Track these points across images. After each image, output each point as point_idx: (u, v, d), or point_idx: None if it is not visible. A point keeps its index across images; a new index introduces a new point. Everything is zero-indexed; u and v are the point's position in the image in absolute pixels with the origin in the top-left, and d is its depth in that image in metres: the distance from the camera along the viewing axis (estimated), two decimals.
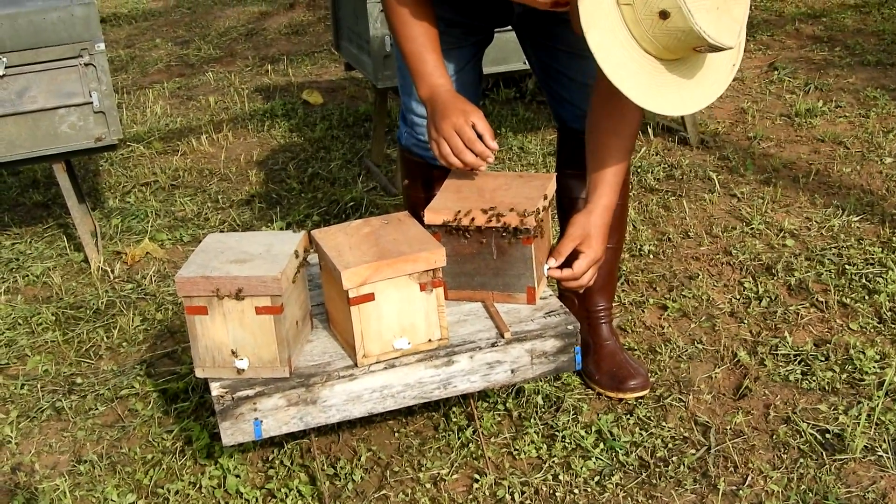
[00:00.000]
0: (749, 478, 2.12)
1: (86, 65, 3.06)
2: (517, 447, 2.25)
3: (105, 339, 2.83)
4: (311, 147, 4.20)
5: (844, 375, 2.42)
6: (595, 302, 2.45)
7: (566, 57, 2.32)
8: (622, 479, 2.14)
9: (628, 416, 2.34)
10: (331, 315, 2.08)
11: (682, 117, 3.88)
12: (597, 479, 2.14)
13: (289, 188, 3.78)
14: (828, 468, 2.12)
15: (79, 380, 2.65)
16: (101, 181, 4.00)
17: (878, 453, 2.15)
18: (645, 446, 2.23)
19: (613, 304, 2.55)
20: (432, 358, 1.97)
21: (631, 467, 2.17)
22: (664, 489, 2.11)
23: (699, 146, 3.88)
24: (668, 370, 2.51)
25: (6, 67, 2.99)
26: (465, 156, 2.01)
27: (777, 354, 2.53)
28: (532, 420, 2.33)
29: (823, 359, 2.50)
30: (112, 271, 3.22)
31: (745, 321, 2.69)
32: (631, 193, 3.32)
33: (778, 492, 2.07)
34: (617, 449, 2.22)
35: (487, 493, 2.12)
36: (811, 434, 2.23)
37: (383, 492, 2.15)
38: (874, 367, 2.43)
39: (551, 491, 2.12)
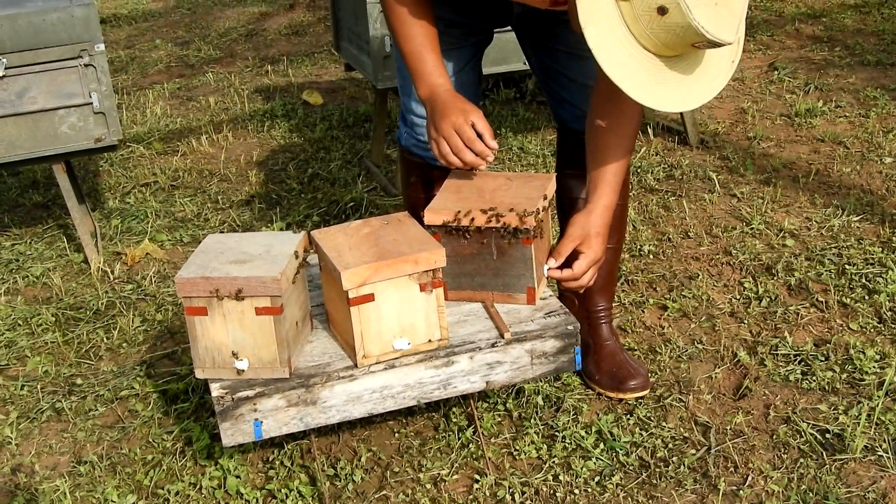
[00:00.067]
0: (749, 478, 2.12)
1: (86, 65, 3.06)
2: (517, 447, 2.25)
3: (105, 339, 2.83)
4: (311, 147, 4.20)
5: (844, 375, 2.42)
6: (595, 302, 2.45)
7: (566, 57, 2.32)
8: (622, 479, 2.14)
9: (628, 416, 2.34)
10: (331, 316, 2.08)
11: (682, 117, 3.88)
12: (597, 479, 2.14)
13: (289, 189, 3.78)
14: (828, 468, 2.12)
15: (79, 381, 2.65)
16: (100, 182, 4.00)
17: (879, 453, 2.15)
18: (645, 446, 2.23)
19: (613, 305, 2.54)
20: (432, 358, 1.97)
21: (631, 467, 2.17)
22: (664, 489, 2.11)
23: (699, 146, 3.88)
24: (668, 370, 2.51)
25: (6, 68, 2.99)
26: (464, 155, 2.01)
27: (777, 354, 2.53)
28: (532, 420, 2.33)
29: (823, 359, 2.50)
30: (112, 272, 3.22)
31: (745, 321, 2.69)
32: (631, 193, 3.32)
33: (778, 492, 2.07)
34: (617, 449, 2.22)
35: (488, 494, 2.12)
36: (811, 434, 2.23)
37: (383, 492, 2.15)
38: (874, 367, 2.43)
39: (551, 491, 2.12)
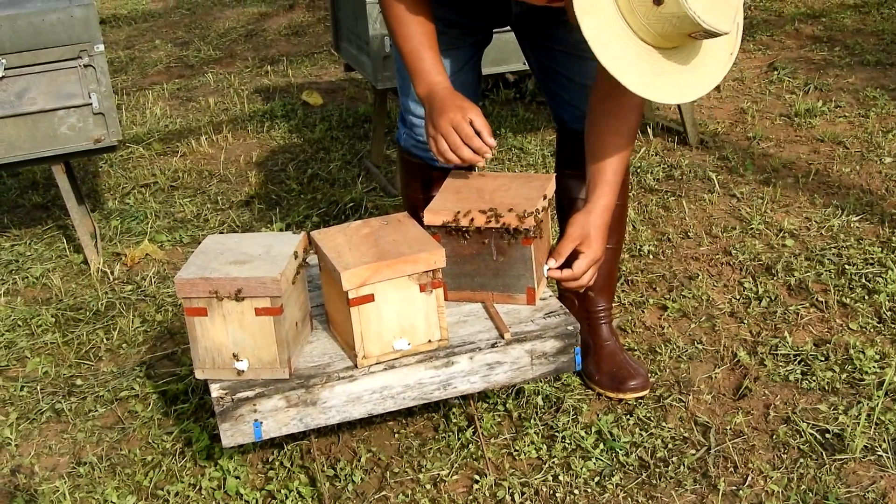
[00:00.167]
0: (749, 478, 2.12)
1: (85, 66, 3.06)
2: (517, 448, 2.25)
3: (105, 340, 2.83)
4: (311, 148, 4.20)
5: (844, 375, 2.42)
6: (595, 302, 2.45)
7: (565, 58, 2.31)
8: (622, 479, 2.14)
9: (628, 416, 2.34)
10: (330, 316, 2.08)
11: (682, 117, 3.88)
12: (597, 479, 2.14)
13: (288, 189, 3.78)
14: (828, 468, 2.12)
15: (78, 381, 2.65)
16: (100, 182, 4.00)
17: (878, 453, 2.15)
18: (645, 447, 2.23)
19: (613, 305, 2.54)
20: (432, 359, 1.97)
21: (631, 468, 2.17)
22: (664, 489, 2.11)
23: (699, 146, 3.88)
24: (667, 370, 2.51)
25: (5, 69, 2.99)
26: (462, 152, 2.00)
27: (777, 354, 2.53)
28: (532, 421, 2.33)
29: (823, 359, 2.49)
30: (112, 273, 3.22)
31: (745, 321, 2.69)
32: (630, 194, 3.32)
33: (778, 492, 2.07)
34: (617, 449, 2.22)
35: (487, 494, 2.12)
36: (811, 434, 2.23)
37: (383, 493, 2.15)
38: (874, 367, 2.43)
39: (551, 491, 2.12)
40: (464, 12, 2.26)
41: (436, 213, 2.06)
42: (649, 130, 4.01)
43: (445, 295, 2.03)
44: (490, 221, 2.02)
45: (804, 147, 3.81)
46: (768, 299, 2.77)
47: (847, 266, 2.89)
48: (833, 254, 2.97)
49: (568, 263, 2.06)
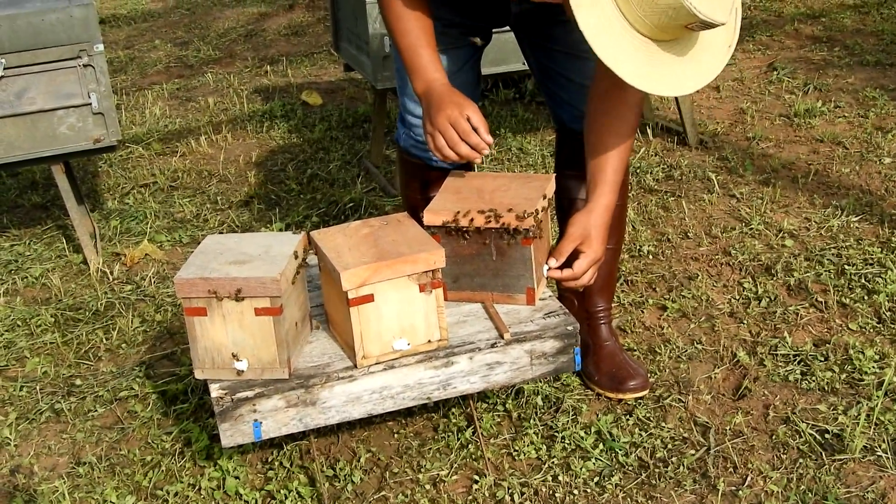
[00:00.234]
0: (748, 478, 2.12)
1: (84, 66, 3.06)
2: (517, 448, 2.25)
3: (104, 340, 2.83)
4: (311, 148, 4.20)
5: (844, 375, 2.42)
6: (594, 303, 2.45)
7: (564, 58, 2.31)
8: (622, 479, 2.14)
9: (628, 416, 2.33)
10: (330, 316, 2.08)
11: (681, 117, 3.88)
12: (596, 479, 2.14)
13: (288, 189, 3.78)
14: (827, 468, 2.12)
15: (78, 381, 2.65)
16: (99, 182, 4.00)
17: (878, 453, 2.15)
18: (644, 447, 2.23)
19: (613, 305, 2.54)
20: (432, 359, 1.97)
21: (630, 468, 2.17)
22: (664, 490, 2.11)
23: (698, 147, 3.88)
24: (667, 371, 2.51)
25: (5, 69, 2.99)
26: (459, 148, 1.99)
27: (776, 355, 2.53)
28: (531, 421, 2.33)
29: (823, 359, 2.50)
30: (111, 273, 3.22)
31: (745, 321, 2.69)
32: (630, 194, 3.32)
33: (777, 492, 2.07)
34: (616, 449, 2.22)
35: (487, 494, 2.12)
36: (810, 434, 2.23)
37: (383, 493, 2.15)
38: (873, 368, 2.43)
39: (551, 492, 2.12)
40: (463, 12, 2.26)
41: (435, 214, 2.05)
42: (649, 131, 4.01)
43: (445, 295, 2.03)
44: (490, 221, 2.02)
45: (804, 147, 3.81)
46: (768, 299, 2.77)
47: (847, 266, 2.89)
48: (833, 254, 2.98)
49: (568, 263, 2.06)
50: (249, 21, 6.82)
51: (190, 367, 2.27)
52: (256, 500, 2.15)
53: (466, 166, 2.42)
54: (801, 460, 2.16)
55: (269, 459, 2.27)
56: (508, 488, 2.13)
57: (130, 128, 4.67)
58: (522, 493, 2.11)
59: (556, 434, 2.29)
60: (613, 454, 2.21)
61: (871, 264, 2.90)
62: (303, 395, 1.92)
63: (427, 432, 2.34)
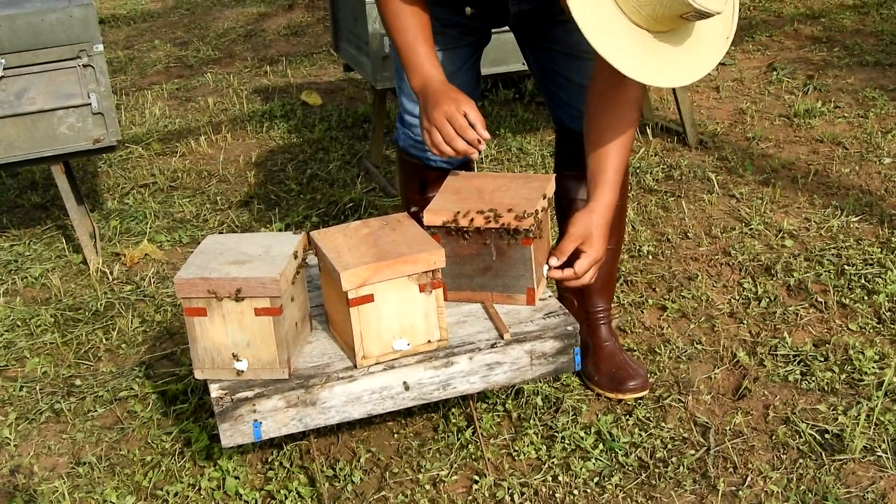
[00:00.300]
0: (748, 478, 2.12)
1: (84, 66, 3.06)
2: (516, 448, 2.25)
3: (104, 340, 2.83)
4: (310, 148, 4.20)
5: (844, 376, 2.42)
6: (594, 303, 2.45)
7: (563, 58, 2.31)
8: (622, 479, 2.14)
9: (628, 416, 2.33)
10: (330, 316, 2.08)
11: (681, 117, 3.88)
12: (596, 479, 2.14)
13: (287, 189, 3.78)
14: (827, 468, 2.12)
15: (78, 381, 2.65)
16: (99, 183, 4.00)
17: (878, 453, 2.15)
18: (644, 447, 2.23)
19: (613, 305, 2.54)
20: (432, 359, 1.97)
21: (630, 468, 2.17)
22: (664, 490, 2.11)
23: (698, 147, 3.88)
24: (667, 371, 2.50)
25: (5, 69, 2.99)
26: (456, 143, 1.97)
27: (776, 355, 2.53)
28: (531, 421, 2.33)
29: (823, 359, 2.50)
30: (111, 273, 3.22)
31: (745, 322, 2.69)
32: (630, 194, 3.32)
33: (777, 492, 2.07)
34: (616, 450, 2.22)
35: (487, 495, 2.12)
36: (810, 434, 2.23)
37: (382, 493, 2.15)
38: (873, 368, 2.43)
39: (551, 492, 2.12)
40: (461, 12, 2.26)
41: (435, 214, 2.05)
42: (648, 131, 4.01)
43: (445, 295, 2.03)
44: (490, 222, 2.02)
45: (803, 147, 3.82)
46: (768, 300, 2.77)
47: (846, 266, 2.89)
48: (832, 254, 2.98)
49: (569, 263, 2.05)
50: (249, 21, 6.82)
51: (190, 367, 2.27)
52: (256, 500, 2.15)
53: (465, 166, 2.42)
54: (801, 460, 2.16)
55: (269, 459, 2.27)
56: (508, 488, 2.13)
57: (130, 128, 4.67)
58: (522, 494, 2.11)
59: (555, 434, 2.29)
60: (613, 454, 2.21)
61: (870, 264, 2.90)
62: (303, 396, 1.92)
63: (427, 432, 2.34)
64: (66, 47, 3.02)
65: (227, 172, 4.01)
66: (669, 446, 2.23)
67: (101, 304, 3.02)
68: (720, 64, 4.73)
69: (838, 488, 2.06)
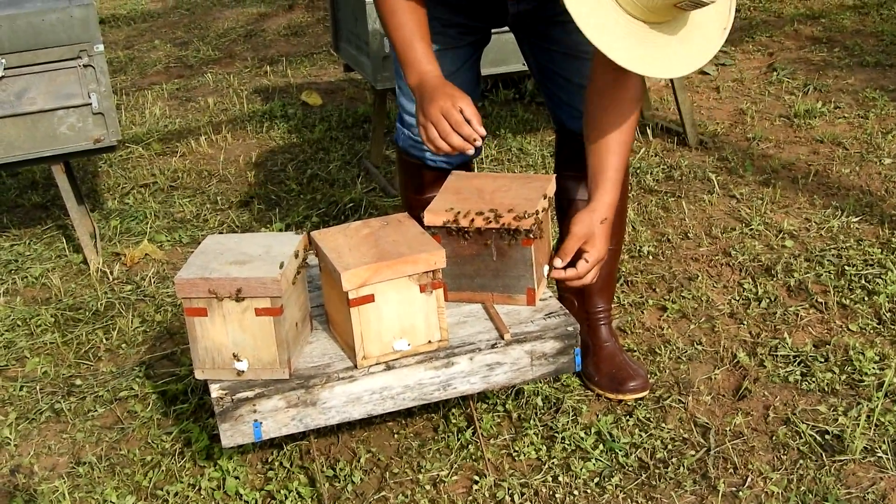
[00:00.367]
0: (749, 479, 2.12)
1: (84, 66, 3.06)
2: (517, 448, 2.25)
3: (104, 340, 2.83)
4: (310, 148, 4.20)
5: (844, 376, 2.42)
6: (594, 303, 2.45)
7: (562, 58, 2.31)
8: (622, 480, 2.14)
9: (628, 417, 2.33)
10: (330, 316, 2.08)
11: (681, 118, 3.88)
12: (596, 480, 2.14)
13: (288, 189, 3.78)
14: (827, 469, 2.12)
15: (78, 381, 2.65)
16: (99, 182, 4.00)
17: (878, 454, 2.15)
18: (644, 447, 2.23)
19: (613, 306, 2.54)
20: (432, 359, 1.97)
21: (630, 468, 2.17)
22: (664, 490, 2.11)
23: (698, 147, 3.88)
24: (667, 371, 2.50)
25: (5, 69, 2.99)
26: (451, 139, 1.95)
27: (776, 355, 2.53)
28: (532, 421, 2.33)
29: (823, 360, 2.50)
30: (111, 273, 3.22)
31: (745, 322, 2.69)
32: (630, 194, 3.32)
33: (778, 493, 2.07)
34: (616, 450, 2.22)
35: (487, 495, 2.12)
36: (811, 435, 2.23)
37: (383, 493, 2.15)
38: (874, 369, 2.43)
39: (551, 492, 2.12)
40: (461, 12, 2.26)
41: (436, 214, 2.05)
42: (648, 131, 4.01)
43: (445, 295, 2.03)
44: (490, 222, 2.02)
45: (804, 148, 3.81)
46: (768, 300, 2.77)
47: (847, 267, 2.89)
48: (833, 255, 2.98)
49: (570, 262, 2.05)
50: (249, 21, 6.82)
51: (190, 368, 2.27)
52: (256, 500, 2.15)
53: (465, 166, 2.42)
54: (801, 461, 2.16)
55: (269, 459, 2.27)
56: (508, 489, 2.13)
57: (130, 128, 4.67)
58: (522, 494, 2.11)
59: (556, 435, 2.29)
60: (613, 455, 2.21)
61: (871, 265, 2.90)
62: (303, 396, 1.92)
63: (427, 433, 2.34)
64: (66, 47, 3.02)
65: (227, 172, 4.01)
66: (669, 447, 2.23)
67: (101, 304, 3.02)
68: (720, 64, 4.73)
69: (838, 489, 2.06)
